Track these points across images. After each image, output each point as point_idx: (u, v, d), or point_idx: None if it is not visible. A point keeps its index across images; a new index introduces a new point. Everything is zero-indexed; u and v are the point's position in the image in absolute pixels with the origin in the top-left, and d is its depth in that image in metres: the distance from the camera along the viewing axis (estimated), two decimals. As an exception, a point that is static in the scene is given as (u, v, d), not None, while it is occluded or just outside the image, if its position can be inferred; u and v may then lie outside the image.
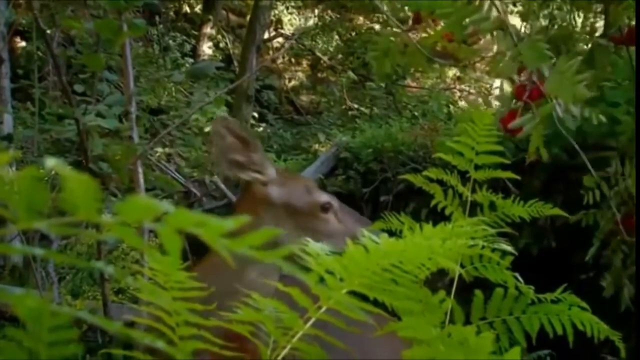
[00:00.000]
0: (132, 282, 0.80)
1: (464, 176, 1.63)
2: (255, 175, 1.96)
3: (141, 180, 2.98)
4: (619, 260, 2.38)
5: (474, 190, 1.60)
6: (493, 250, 1.27)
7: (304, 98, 12.01)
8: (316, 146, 9.02)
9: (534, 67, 1.87)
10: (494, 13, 1.90)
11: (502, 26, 1.90)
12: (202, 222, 0.51)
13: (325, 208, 2.05)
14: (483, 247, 1.20)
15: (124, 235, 0.58)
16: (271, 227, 1.74)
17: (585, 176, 2.30)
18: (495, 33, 1.93)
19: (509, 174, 1.67)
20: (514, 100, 1.99)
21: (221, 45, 11.83)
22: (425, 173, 1.67)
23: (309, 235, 1.80)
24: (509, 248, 1.34)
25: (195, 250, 4.56)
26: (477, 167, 1.58)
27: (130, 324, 1.71)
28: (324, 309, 1.07)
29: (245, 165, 1.95)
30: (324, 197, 2.08)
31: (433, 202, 1.65)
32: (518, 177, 1.70)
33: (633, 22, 2.10)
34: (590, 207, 2.42)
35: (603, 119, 1.96)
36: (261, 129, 10.56)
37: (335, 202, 2.09)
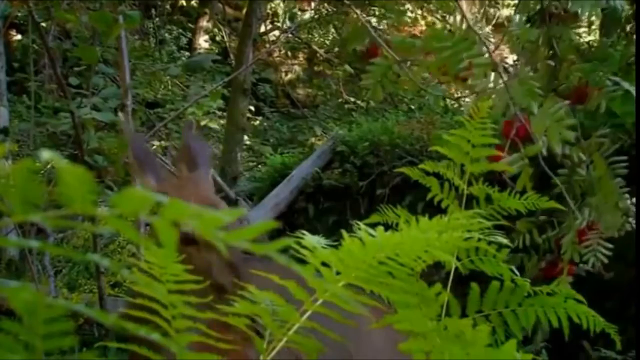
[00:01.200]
0: (128, 275, 0.80)
1: (460, 169, 1.63)
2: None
3: (137, 173, 2.97)
4: None
5: (470, 183, 1.60)
6: (489, 243, 1.28)
7: (301, 91, 12.01)
8: (312, 139, 9.03)
9: (524, 104, 1.91)
10: (485, 51, 1.94)
11: (494, 66, 1.95)
12: (198, 214, 0.51)
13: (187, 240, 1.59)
14: (479, 239, 1.20)
15: (120, 228, 0.57)
16: None
17: (519, 221, 2.34)
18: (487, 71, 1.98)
19: (505, 167, 1.68)
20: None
21: (217, 38, 11.81)
22: (421, 166, 1.67)
23: None
24: (505, 241, 1.34)
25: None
26: (473, 160, 1.58)
27: (126, 317, 1.70)
28: (320, 301, 1.07)
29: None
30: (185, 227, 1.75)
31: (429, 195, 1.66)
32: (514, 170, 1.71)
33: (580, 83, 2.15)
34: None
35: (583, 157, 2.03)
36: (257, 122, 10.56)
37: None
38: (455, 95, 10.37)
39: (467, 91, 2.23)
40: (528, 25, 2.21)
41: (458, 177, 1.61)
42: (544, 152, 1.90)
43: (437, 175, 1.65)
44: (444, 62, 2.04)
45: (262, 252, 0.53)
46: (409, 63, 2.23)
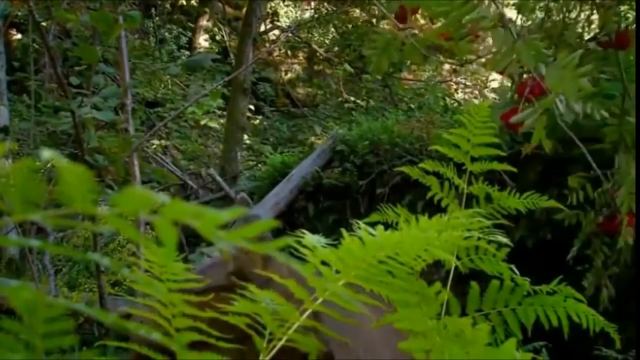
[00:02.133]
0: (128, 274, 0.80)
1: (460, 168, 1.63)
2: None
3: (137, 172, 2.97)
4: (600, 261, 2.38)
5: (470, 183, 1.60)
6: (489, 242, 1.28)
7: (300, 90, 12.01)
8: (312, 139, 9.03)
9: (531, 65, 1.87)
10: (493, 9, 1.90)
11: (501, 23, 1.90)
12: (198, 214, 0.51)
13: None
14: (479, 238, 1.20)
15: (120, 227, 0.57)
16: None
17: (570, 176, 2.29)
18: (493, 30, 1.93)
19: (505, 166, 1.67)
20: (512, 95, 1.99)
21: (217, 37, 11.81)
22: (421, 165, 1.67)
23: None
24: (504, 240, 1.34)
25: (192, 243, 4.56)
26: (473, 160, 1.58)
27: (127, 316, 1.71)
28: (320, 300, 1.07)
29: None
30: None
31: (429, 194, 1.66)
32: (514, 169, 1.71)
33: (622, 27, 2.10)
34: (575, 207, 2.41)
35: (605, 114, 1.96)
36: (257, 121, 10.57)
37: None
38: (454, 87, 10.36)
39: (472, 57, 2.19)
40: None
41: (458, 177, 1.61)
42: (562, 110, 1.84)
43: (437, 174, 1.65)
44: (446, 28, 2.01)
45: (262, 251, 0.53)
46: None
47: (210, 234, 0.51)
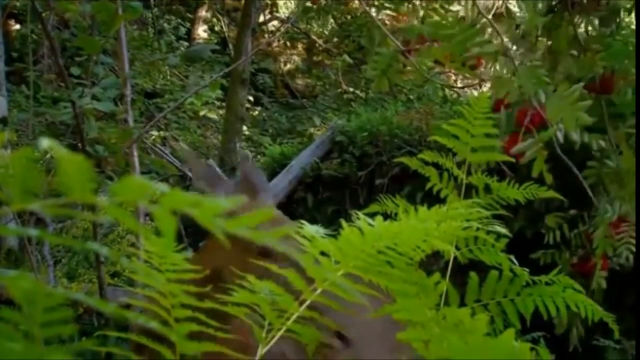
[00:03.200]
0: (128, 264, 0.80)
1: (459, 159, 1.63)
2: None
3: (137, 163, 2.97)
4: None
5: (469, 173, 1.60)
6: (488, 232, 1.28)
7: (300, 81, 11.99)
8: (311, 130, 9.02)
9: (532, 91, 1.88)
10: (496, 39, 1.92)
11: (504, 52, 1.92)
12: (197, 203, 0.51)
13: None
14: (478, 229, 1.20)
15: (119, 216, 0.57)
16: None
17: (548, 216, 2.32)
18: (499, 57, 1.95)
19: (504, 157, 1.67)
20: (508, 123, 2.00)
21: (216, 28, 11.79)
22: (420, 156, 1.67)
23: None
24: (503, 230, 1.34)
25: (191, 233, 4.56)
26: (472, 150, 1.58)
27: (126, 307, 1.71)
28: (319, 290, 1.07)
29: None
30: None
31: (428, 185, 1.66)
32: (513, 160, 1.71)
33: (607, 72, 2.11)
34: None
35: (602, 144, 1.98)
36: (256, 112, 10.55)
37: None
38: (460, 84, 10.37)
39: (475, 80, 2.21)
40: (550, 15, 2.17)
41: (457, 167, 1.61)
42: (561, 139, 1.87)
43: (436, 165, 1.65)
44: (450, 50, 2.02)
45: (261, 241, 0.53)
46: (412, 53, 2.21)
47: (209, 222, 0.51)
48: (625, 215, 2.14)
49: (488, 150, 1.60)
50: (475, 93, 9.39)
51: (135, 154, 2.97)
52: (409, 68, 2.23)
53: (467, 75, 2.21)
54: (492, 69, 1.96)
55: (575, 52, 2.11)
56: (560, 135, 1.85)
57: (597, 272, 2.16)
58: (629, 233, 2.12)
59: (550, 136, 1.85)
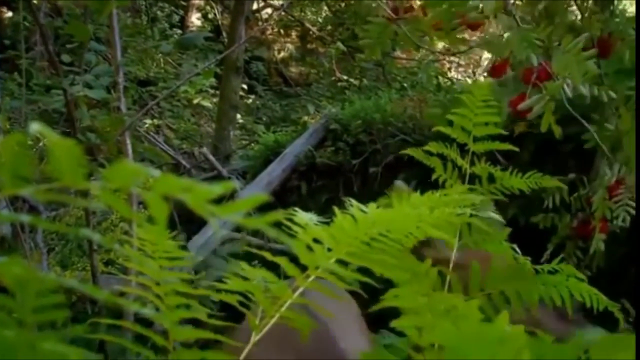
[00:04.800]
0: (121, 251, 0.80)
1: (462, 149, 1.62)
2: None
3: (130, 151, 2.96)
4: (573, 264, 2.39)
5: (472, 163, 1.60)
6: (482, 219, 1.28)
7: (293, 69, 11.97)
8: (305, 118, 9.01)
9: (523, 56, 1.88)
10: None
11: (504, 10, 1.91)
12: (189, 188, 0.51)
13: None
14: (471, 215, 1.20)
15: (112, 202, 0.57)
16: None
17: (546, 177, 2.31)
18: (500, 16, 1.94)
19: (507, 146, 1.67)
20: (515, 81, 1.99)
21: (210, 16, 11.74)
22: (425, 147, 1.65)
23: None
24: (497, 217, 1.35)
25: (184, 220, 4.55)
26: (475, 139, 1.57)
27: (120, 295, 1.71)
28: (312, 277, 1.07)
29: None
30: None
31: (434, 176, 1.65)
32: (516, 149, 1.71)
33: (604, 34, 2.10)
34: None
35: (613, 95, 1.96)
36: (250, 100, 10.53)
37: None
38: (454, 72, 10.35)
39: (464, 47, 2.20)
40: None
41: (461, 157, 1.60)
42: (570, 94, 1.85)
43: (439, 155, 1.65)
44: (439, 17, 2.01)
45: (253, 226, 0.53)
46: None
47: (200, 208, 0.51)
48: (623, 177, 2.13)
49: (491, 139, 1.59)
50: (469, 80, 9.39)
51: (128, 141, 2.96)
52: (401, 55, 2.22)
53: (454, 44, 2.19)
54: (489, 29, 1.94)
55: (572, 16, 2.10)
56: (568, 90, 1.83)
57: (596, 235, 2.16)
58: (626, 195, 2.13)
59: (558, 89, 1.84)
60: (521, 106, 1.88)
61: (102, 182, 0.55)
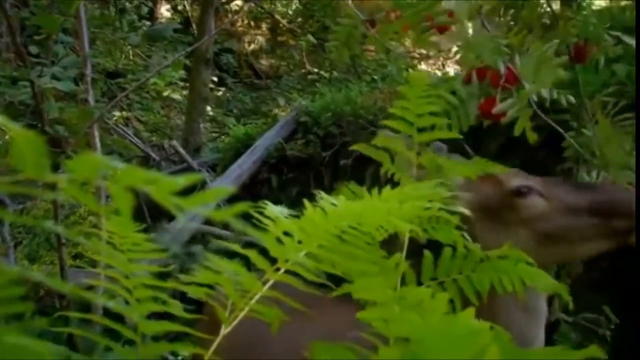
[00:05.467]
0: (88, 244, 0.79)
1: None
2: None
3: (98, 143, 2.94)
4: (553, 271, 2.42)
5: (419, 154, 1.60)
6: (449, 212, 1.28)
7: (264, 62, 11.94)
8: (276, 110, 9.01)
9: (490, 60, 1.89)
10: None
11: (477, 16, 1.91)
12: (153, 180, 0.50)
13: (522, 192, 1.80)
14: (440, 209, 1.20)
15: (77, 195, 0.57)
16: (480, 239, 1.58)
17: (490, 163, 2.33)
18: (459, 25, 1.94)
19: (452, 134, 1.66)
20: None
21: (179, 7, 11.67)
22: (373, 142, 1.65)
23: (520, 230, 1.76)
24: (465, 211, 1.35)
25: (154, 214, 4.53)
26: (419, 130, 1.57)
27: (89, 288, 1.70)
28: (282, 270, 1.07)
29: None
30: (515, 182, 1.82)
31: (382, 170, 1.65)
32: (460, 137, 1.71)
33: (579, 41, 2.11)
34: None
35: (572, 99, 1.98)
36: (220, 93, 10.50)
37: (535, 184, 1.82)
38: (424, 65, 10.39)
39: (434, 50, 2.20)
40: None
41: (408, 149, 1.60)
42: (534, 98, 1.87)
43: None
44: (410, 20, 2.01)
45: (220, 219, 0.53)
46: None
47: (165, 200, 0.51)
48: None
49: (435, 129, 1.59)
50: (439, 73, 9.43)
51: (97, 134, 2.94)
52: (371, 47, 2.22)
53: (424, 47, 2.19)
54: (458, 33, 1.94)
55: (547, 21, 2.11)
56: (533, 95, 1.84)
57: None
58: None
59: (529, 94, 1.85)
60: (495, 110, 1.89)
61: (68, 175, 0.54)
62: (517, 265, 1.37)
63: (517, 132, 1.93)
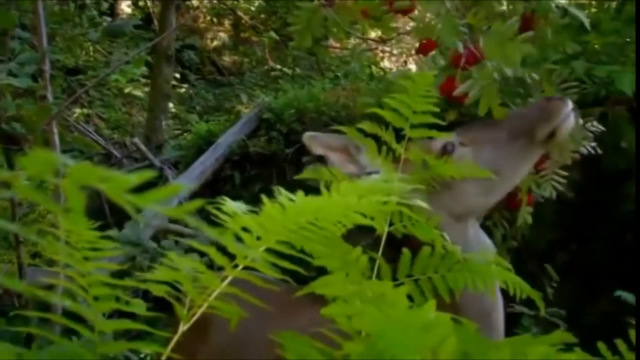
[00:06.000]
0: (44, 243, 0.78)
1: (398, 134, 1.63)
2: (373, 176, 1.75)
3: (57, 141, 2.90)
4: (499, 234, 2.45)
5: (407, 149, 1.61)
6: (408, 206, 1.29)
7: (227, 58, 11.88)
8: (239, 107, 8.96)
9: (448, 42, 1.90)
10: None
11: None
12: (106, 178, 0.50)
13: (447, 150, 1.86)
14: (399, 203, 1.21)
15: (29, 193, 0.56)
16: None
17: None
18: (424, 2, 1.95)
19: (445, 135, 1.69)
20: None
21: (140, 3, 11.56)
22: (359, 126, 1.66)
23: (464, 184, 1.80)
24: (424, 204, 1.36)
25: (115, 211, 4.48)
26: (413, 126, 1.59)
27: (49, 287, 1.68)
28: (241, 267, 1.06)
29: (359, 174, 1.82)
30: (438, 143, 1.86)
31: (367, 158, 1.66)
32: (450, 137, 1.73)
33: (527, 12, 2.14)
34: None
35: (536, 77, 2.00)
36: (183, 89, 10.42)
37: (456, 136, 1.89)
38: (387, 62, 10.41)
39: (393, 34, 2.22)
40: None
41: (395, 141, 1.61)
42: (496, 76, 1.88)
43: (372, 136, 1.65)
44: (366, 4, 2.02)
45: (174, 216, 0.52)
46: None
47: (118, 197, 0.50)
48: (548, 152, 2.18)
49: (428, 128, 1.61)
50: (414, 68, 9.46)
51: (55, 131, 2.90)
52: (335, 44, 2.22)
53: (383, 31, 2.20)
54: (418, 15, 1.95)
55: None
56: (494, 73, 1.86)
57: (522, 207, 2.22)
58: (552, 169, 2.18)
59: (490, 73, 1.86)
60: (457, 92, 1.90)
61: (20, 173, 0.54)
62: (492, 268, 1.40)
63: (481, 111, 1.95)
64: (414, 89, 1.54)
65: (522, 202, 2.23)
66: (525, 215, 2.23)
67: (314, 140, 1.74)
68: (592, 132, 2.20)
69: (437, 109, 1.57)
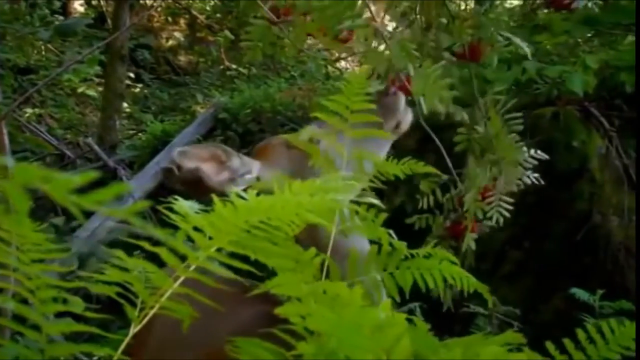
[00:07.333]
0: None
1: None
2: (247, 177, 1.72)
3: (6, 141, 2.85)
4: None
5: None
6: (360, 204, 1.29)
7: (182, 58, 11.79)
8: (194, 107, 8.91)
9: (401, 65, 1.93)
10: (367, 14, 1.94)
11: (372, 28, 1.95)
12: (48, 178, 0.49)
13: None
14: (352, 202, 1.21)
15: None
16: None
17: (422, 181, 2.39)
18: (360, 31, 1.98)
19: (382, 133, 1.70)
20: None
21: (93, 2, 11.42)
22: (301, 133, 1.67)
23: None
24: (376, 202, 1.36)
25: (69, 211, 4.41)
26: (352, 126, 1.59)
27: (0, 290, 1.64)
28: (193, 267, 1.05)
29: (234, 177, 1.79)
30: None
31: (311, 163, 1.66)
32: (387, 135, 1.73)
33: (474, 40, 2.18)
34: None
35: (465, 116, 2.07)
36: (137, 89, 10.32)
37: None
38: (334, 58, 10.44)
39: (345, 54, 2.23)
40: None
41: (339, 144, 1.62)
42: (425, 111, 1.93)
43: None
44: (323, 23, 2.02)
45: (119, 216, 0.51)
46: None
47: (61, 198, 0.49)
48: (494, 179, 2.21)
49: (368, 127, 1.62)
50: (357, 69, 9.50)
51: (5, 131, 2.84)
52: (286, 40, 2.22)
53: (339, 51, 2.23)
54: (364, 41, 1.98)
55: (444, 20, 2.16)
56: (425, 108, 1.91)
57: (467, 234, 2.24)
58: (497, 197, 2.21)
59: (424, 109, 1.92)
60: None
61: (-39, 173, 0.52)
62: (440, 263, 1.40)
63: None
64: (350, 89, 1.54)
65: (467, 229, 2.26)
66: (469, 242, 2.26)
67: (184, 156, 1.71)
68: (536, 158, 2.24)
69: (374, 106, 1.57)
